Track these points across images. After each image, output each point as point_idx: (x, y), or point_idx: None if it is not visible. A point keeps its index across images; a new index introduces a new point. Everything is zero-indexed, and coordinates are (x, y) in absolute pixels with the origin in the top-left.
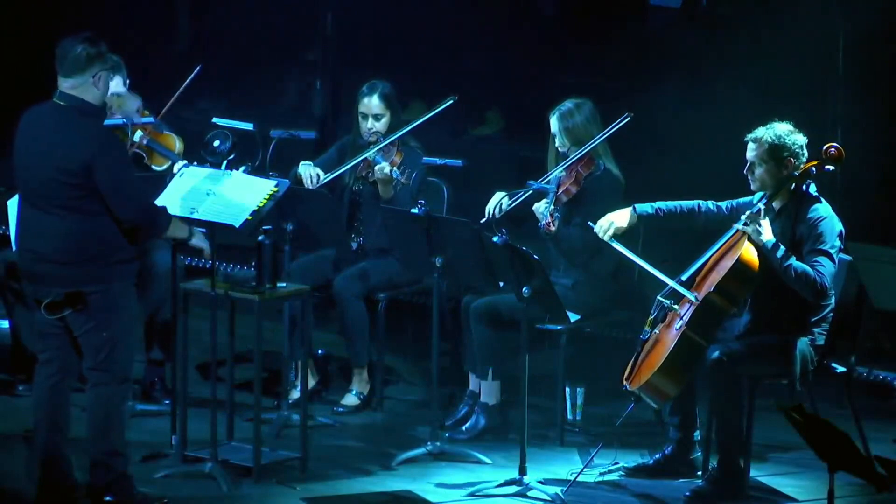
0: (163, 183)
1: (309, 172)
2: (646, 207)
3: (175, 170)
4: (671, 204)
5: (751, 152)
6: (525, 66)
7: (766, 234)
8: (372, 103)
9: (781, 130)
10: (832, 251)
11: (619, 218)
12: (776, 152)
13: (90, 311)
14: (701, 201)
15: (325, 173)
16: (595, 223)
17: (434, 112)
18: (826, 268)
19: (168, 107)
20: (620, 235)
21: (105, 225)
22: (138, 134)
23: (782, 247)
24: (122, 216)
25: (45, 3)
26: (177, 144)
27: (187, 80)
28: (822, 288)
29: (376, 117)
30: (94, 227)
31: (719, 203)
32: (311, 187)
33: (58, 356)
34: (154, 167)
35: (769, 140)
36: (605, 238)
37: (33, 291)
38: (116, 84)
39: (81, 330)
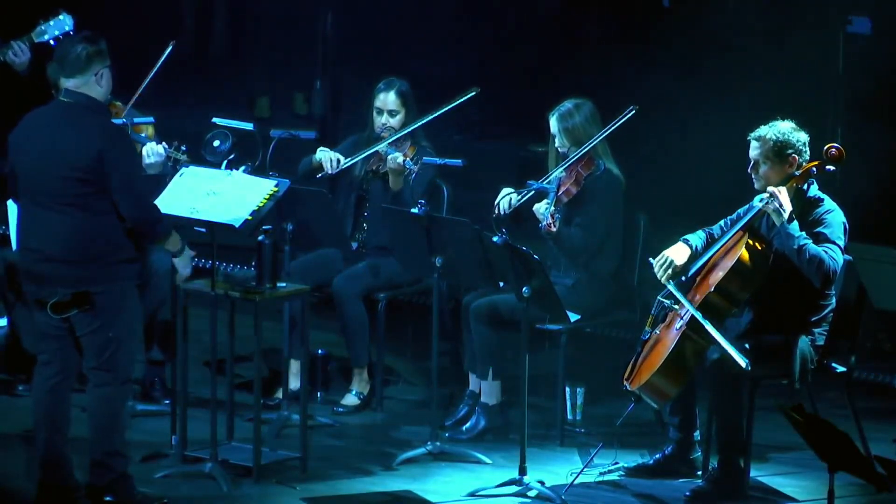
0: (163, 183)
1: (329, 157)
2: (696, 240)
3: (144, 154)
4: (703, 234)
5: (754, 150)
6: (525, 65)
7: (787, 211)
8: (388, 99)
9: (784, 128)
10: (840, 243)
11: (678, 255)
12: (780, 149)
13: (96, 311)
14: (711, 227)
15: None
16: (652, 260)
17: (454, 104)
18: (837, 256)
19: (138, 95)
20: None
21: (112, 224)
22: (142, 118)
23: (802, 231)
24: (128, 214)
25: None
26: (147, 128)
27: (160, 61)
28: (833, 276)
29: (391, 113)
30: (101, 225)
31: (725, 219)
32: (331, 172)
33: (58, 357)
34: None
35: (773, 137)
36: (663, 280)
37: (35, 292)
38: None
39: (86, 330)
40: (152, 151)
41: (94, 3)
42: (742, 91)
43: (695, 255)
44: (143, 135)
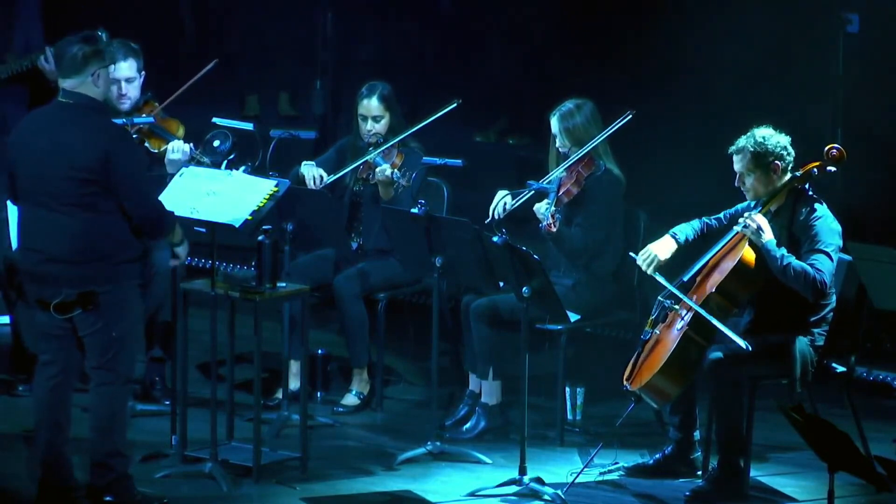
0: (164, 182)
1: (312, 174)
2: (686, 232)
3: (170, 149)
4: (697, 224)
5: (737, 164)
6: (527, 67)
7: (766, 234)
8: (371, 105)
9: (762, 135)
10: (829, 249)
11: (662, 250)
12: (761, 159)
13: (100, 310)
14: (710, 217)
15: (328, 174)
16: (636, 253)
17: (436, 115)
18: (825, 266)
19: (174, 97)
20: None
21: (116, 223)
22: (142, 118)
23: (781, 247)
24: (134, 213)
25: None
26: (179, 129)
27: (199, 74)
28: (821, 286)
29: (376, 119)
30: (105, 225)
31: (725, 212)
32: (314, 188)
33: (60, 357)
34: (150, 148)
35: (751, 148)
36: (649, 272)
37: (37, 292)
38: (129, 67)
39: (90, 330)
40: (177, 148)
41: (94, 3)
42: (742, 90)
43: (683, 247)
44: (171, 134)
